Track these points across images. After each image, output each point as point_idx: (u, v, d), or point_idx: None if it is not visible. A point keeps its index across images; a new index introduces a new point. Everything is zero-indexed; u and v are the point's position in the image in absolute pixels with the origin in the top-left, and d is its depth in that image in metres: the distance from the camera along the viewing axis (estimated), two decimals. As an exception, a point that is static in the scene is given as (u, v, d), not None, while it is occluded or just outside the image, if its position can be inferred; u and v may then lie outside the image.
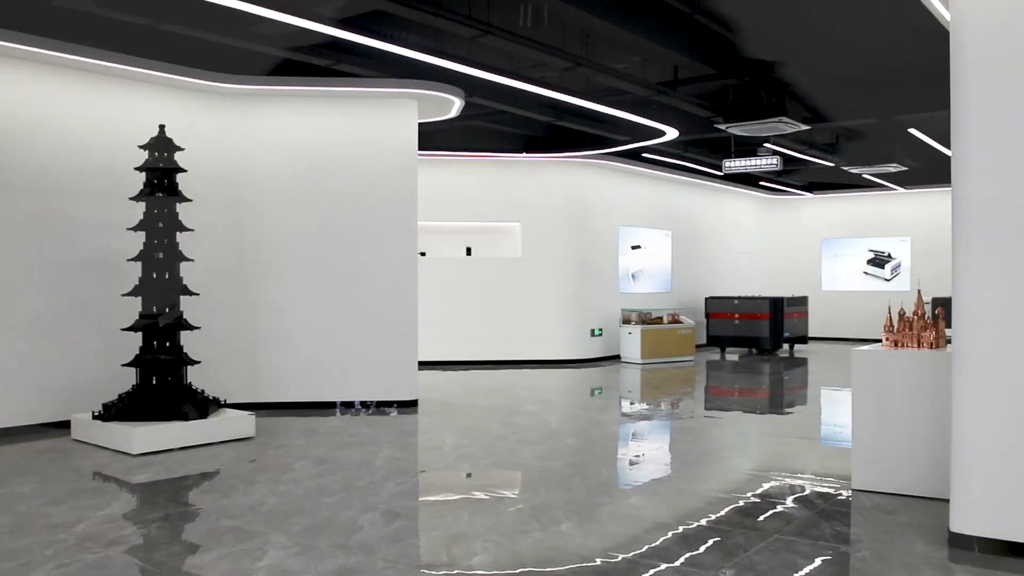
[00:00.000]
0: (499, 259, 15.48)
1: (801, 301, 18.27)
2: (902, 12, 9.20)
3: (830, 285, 20.77)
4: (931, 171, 17.61)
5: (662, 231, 18.07)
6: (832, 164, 15.47)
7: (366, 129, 10.24)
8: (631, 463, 7.68)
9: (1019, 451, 4.66)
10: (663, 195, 18.16)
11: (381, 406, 10.11)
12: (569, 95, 9.82)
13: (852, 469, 6.22)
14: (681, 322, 16.46)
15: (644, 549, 4.87)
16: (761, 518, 5.49)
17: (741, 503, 5.89)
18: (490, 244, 15.67)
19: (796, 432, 9.21)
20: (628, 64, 10.57)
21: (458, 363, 14.67)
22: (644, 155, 15.38)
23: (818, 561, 4.68)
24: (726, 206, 20.32)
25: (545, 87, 9.39)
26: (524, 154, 15.06)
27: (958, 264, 4.88)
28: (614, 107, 10.53)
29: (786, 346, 17.90)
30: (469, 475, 6.97)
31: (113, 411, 7.82)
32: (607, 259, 16.58)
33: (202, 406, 8.03)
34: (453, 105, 10.55)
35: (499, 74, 8.78)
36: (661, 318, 16.32)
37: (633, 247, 17.32)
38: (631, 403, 11.61)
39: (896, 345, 6.29)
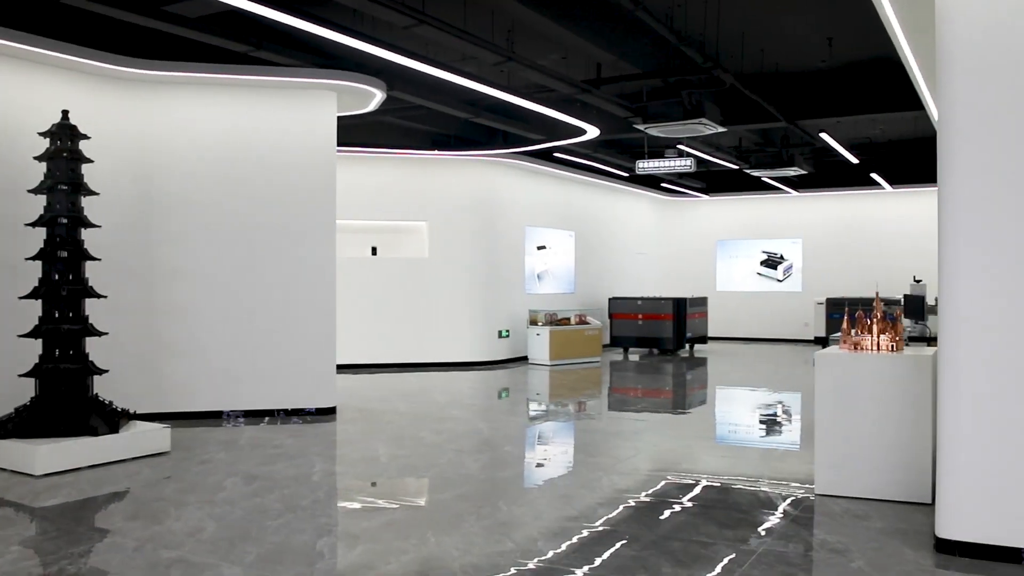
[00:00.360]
0: (405, 259, 15.02)
1: (702, 302, 18.57)
2: (839, 13, 9.37)
3: (725, 285, 21.21)
4: (823, 175, 18.21)
5: (566, 232, 17.99)
6: (736, 167, 15.73)
7: (283, 121, 9.63)
8: (583, 472, 7.39)
9: (1007, 455, 4.65)
10: (567, 195, 18.08)
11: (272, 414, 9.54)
12: (500, 90, 9.50)
13: (816, 474, 6.16)
14: (588, 323, 16.41)
15: (636, 570, 4.62)
16: (739, 529, 5.33)
17: (712, 513, 5.72)
18: (396, 244, 15.18)
19: (730, 434, 9.21)
20: (551, 60, 10.36)
21: (364, 366, 14.10)
22: (555, 155, 15.23)
23: (819, 575, 4.55)
24: (627, 207, 20.45)
25: (477, 80, 9.04)
26: (435, 151, 14.62)
27: (945, 267, 4.84)
28: (541, 104, 10.28)
29: (686, 346, 18.13)
30: (418, 489, 6.56)
31: (10, 427, 6.98)
32: (514, 260, 16.35)
33: (112, 419, 7.30)
34: (373, 98, 10.07)
35: (433, 65, 8.36)
36: (568, 319, 16.22)
37: (539, 247, 17.17)
38: (556, 407, 11.39)
39: (856, 348, 6.28)
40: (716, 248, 21.45)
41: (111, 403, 7.48)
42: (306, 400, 9.69)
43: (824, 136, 12.69)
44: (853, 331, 6.41)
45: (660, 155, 14.95)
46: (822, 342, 18.66)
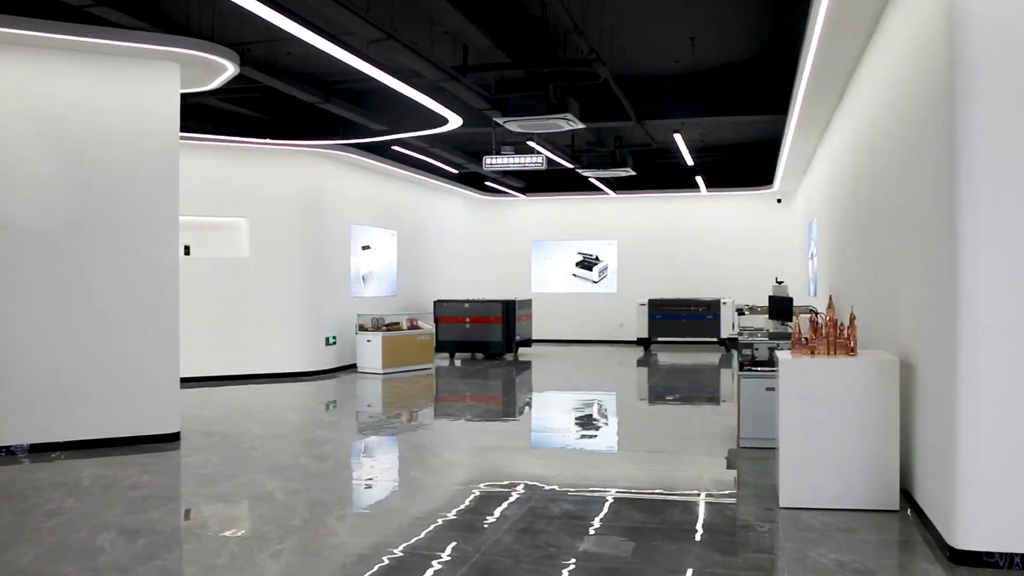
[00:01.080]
0: (223, 259, 13.47)
1: (527, 304, 18.22)
2: (704, 16, 9.24)
3: (540, 287, 21.05)
4: (640, 178, 18.46)
5: (389, 231, 17.04)
6: (571, 166, 15.52)
7: (116, 95, 8.08)
8: (517, 493, 6.60)
9: (1030, 463, 4.49)
10: (390, 192, 17.14)
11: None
12: (385, 71, 8.51)
13: (780, 486, 5.81)
14: (420, 328, 15.57)
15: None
16: (744, 555, 4.84)
17: (696, 535, 5.19)
18: (212, 242, 13.58)
19: (636, 441, 8.82)
20: (412, 41, 9.49)
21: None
22: (393, 148, 14.26)
23: (871, 606, 4.13)
24: (446, 206, 19.79)
25: (363, 58, 8.00)
26: (263, 140, 13.17)
27: (963, 271, 4.59)
28: (417, 89, 9.37)
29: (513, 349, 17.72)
30: (355, 533, 5.50)
31: None
32: (339, 260, 15.20)
33: (-82, 467, 5.64)
34: (223, 72, 8.70)
35: (323, 36, 7.23)
36: (399, 324, 15.30)
37: (363, 247, 16.10)
38: (424, 420, 10.47)
39: (812, 353, 6.01)
40: (532, 249, 21.28)
41: (-86, 445, 5.79)
42: (144, 425, 8.21)
43: (676, 137, 12.70)
44: (804, 336, 6.17)
45: (498, 151, 14.44)
46: (644, 343, 18.98)
